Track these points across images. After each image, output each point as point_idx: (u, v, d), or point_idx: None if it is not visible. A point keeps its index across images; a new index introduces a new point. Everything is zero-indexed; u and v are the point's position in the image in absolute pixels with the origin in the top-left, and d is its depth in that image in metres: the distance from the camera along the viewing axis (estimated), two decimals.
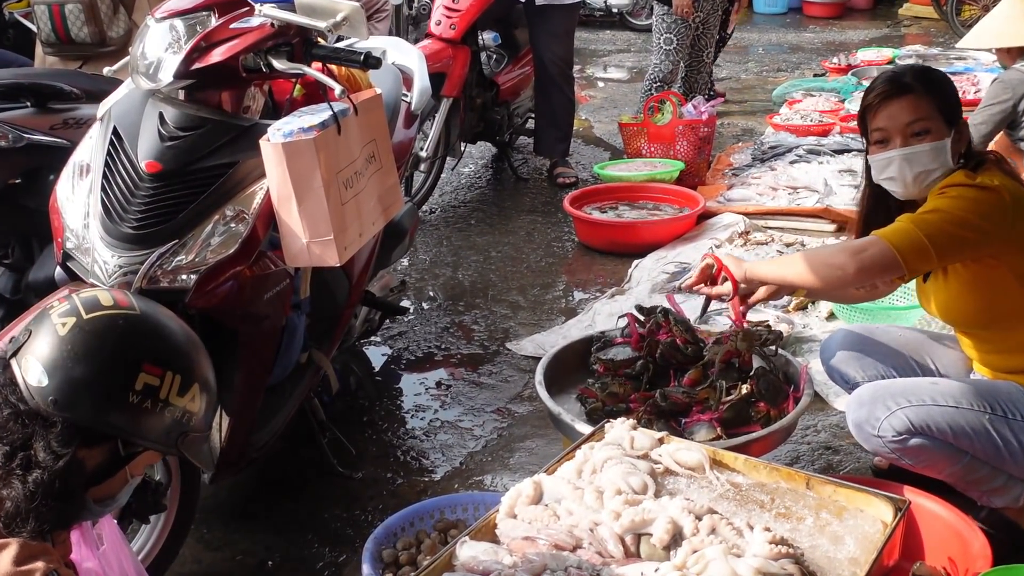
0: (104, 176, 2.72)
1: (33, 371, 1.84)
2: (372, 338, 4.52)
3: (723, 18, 7.77)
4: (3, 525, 1.79)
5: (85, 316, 1.88)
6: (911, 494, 2.71)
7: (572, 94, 6.86)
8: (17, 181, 3.84)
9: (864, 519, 2.45)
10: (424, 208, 6.25)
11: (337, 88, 2.73)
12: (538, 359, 3.74)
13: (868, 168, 2.95)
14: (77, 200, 2.76)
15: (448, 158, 6.45)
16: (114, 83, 3.17)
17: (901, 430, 2.72)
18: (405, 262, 5.45)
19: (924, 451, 2.75)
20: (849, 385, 3.19)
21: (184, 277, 2.66)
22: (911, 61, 9.74)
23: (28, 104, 3.74)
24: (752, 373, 3.27)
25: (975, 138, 5.26)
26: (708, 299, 3.11)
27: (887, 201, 2.94)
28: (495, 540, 2.40)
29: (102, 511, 2.00)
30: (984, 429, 2.72)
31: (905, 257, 2.66)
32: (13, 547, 1.75)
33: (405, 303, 4.76)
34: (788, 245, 5.33)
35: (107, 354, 1.87)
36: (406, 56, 4.31)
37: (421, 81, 4.19)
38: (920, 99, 2.81)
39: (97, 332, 1.88)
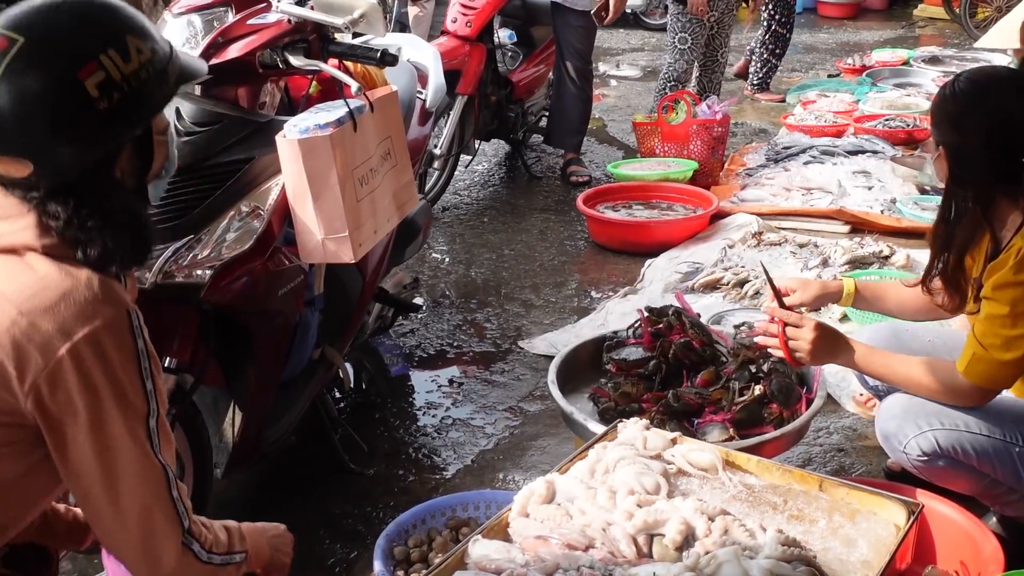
0: None
1: (13, 165, 1.75)
2: (385, 335, 4.52)
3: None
4: (95, 267, 1.78)
5: None
6: (924, 497, 2.71)
7: (589, 91, 6.85)
8: None
9: (877, 522, 2.45)
10: (437, 205, 6.25)
11: (354, 85, 2.74)
12: (550, 358, 3.74)
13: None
14: None
15: (462, 155, 6.46)
16: None
17: (928, 451, 2.71)
18: (418, 259, 5.45)
19: (947, 472, 2.75)
20: (869, 385, 3.18)
21: (199, 272, 2.67)
22: (926, 63, 9.75)
23: None
24: (765, 374, 3.26)
25: None
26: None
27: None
28: (507, 539, 2.40)
29: (166, 176, 1.99)
30: (1011, 460, 2.70)
31: (1002, 386, 2.69)
32: (95, 280, 1.76)
33: (418, 300, 4.76)
34: (801, 246, 5.32)
35: (42, 101, 1.72)
36: (421, 53, 4.32)
37: (436, 78, 4.20)
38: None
39: (14, 87, 1.71)
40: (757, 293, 4.86)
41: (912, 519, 2.42)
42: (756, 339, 3.01)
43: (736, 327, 3.46)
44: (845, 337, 2.84)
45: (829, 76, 9.86)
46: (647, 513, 2.33)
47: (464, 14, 6.19)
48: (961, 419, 2.71)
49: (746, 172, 6.73)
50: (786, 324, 2.83)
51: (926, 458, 2.73)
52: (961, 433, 2.70)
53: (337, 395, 4.04)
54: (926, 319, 3.17)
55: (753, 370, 3.31)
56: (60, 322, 1.70)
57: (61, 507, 2.22)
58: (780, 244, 5.39)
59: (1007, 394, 2.89)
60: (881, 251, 5.11)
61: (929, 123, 2.81)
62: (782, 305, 2.89)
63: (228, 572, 2.03)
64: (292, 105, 3.23)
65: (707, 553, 2.23)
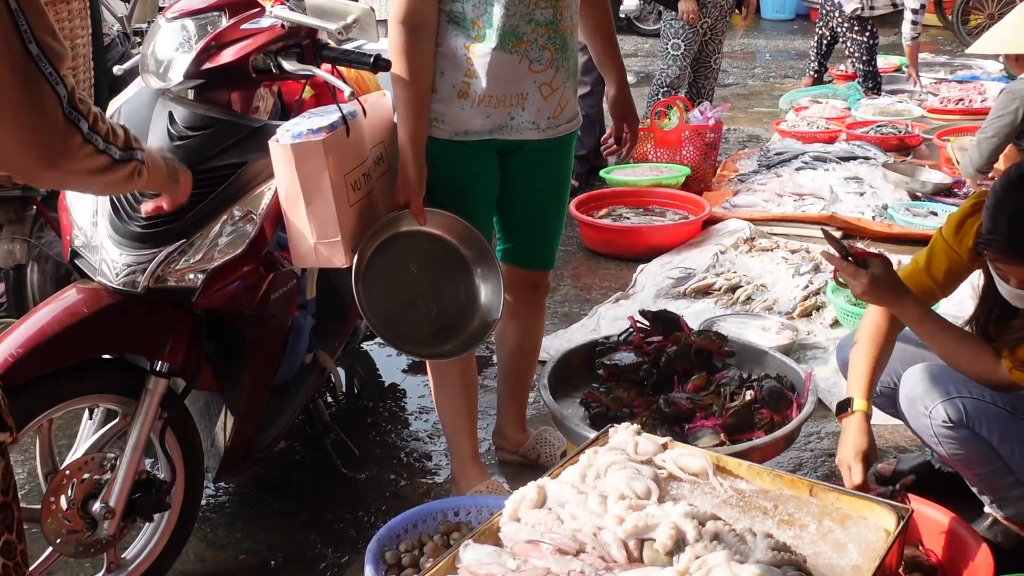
0: None
1: None
2: (377, 339, 4.52)
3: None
4: None
5: None
6: (914, 502, 2.71)
7: (591, 102, 6.76)
8: None
9: (867, 527, 2.45)
10: None
11: (346, 90, 2.74)
12: (541, 362, 3.74)
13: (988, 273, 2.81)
14: (86, 198, 2.77)
15: None
16: None
17: (954, 418, 2.73)
18: None
19: (966, 444, 2.76)
20: None
21: (191, 276, 2.67)
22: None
23: None
24: (756, 380, 3.27)
25: (986, 151, 5.25)
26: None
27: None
28: (498, 543, 2.40)
29: None
30: None
31: None
32: None
33: None
34: (793, 252, 5.34)
35: None
36: None
37: None
38: None
39: None
40: (749, 298, 4.88)
41: (902, 524, 2.42)
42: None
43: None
44: (902, 294, 2.81)
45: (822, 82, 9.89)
46: (638, 518, 2.33)
47: None
48: (988, 392, 2.75)
49: (738, 178, 6.76)
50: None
51: (951, 424, 2.75)
52: (988, 405, 2.73)
53: (329, 400, 4.05)
54: None
55: (745, 376, 3.32)
56: None
57: None
58: (772, 250, 5.41)
59: None
60: None
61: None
62: (845, 257, 2.82)
63: (127, 170, 1.87)
64: (285, 110, 3.23)
65: (697, 558, 2.23)
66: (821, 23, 9.14)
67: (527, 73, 2.95)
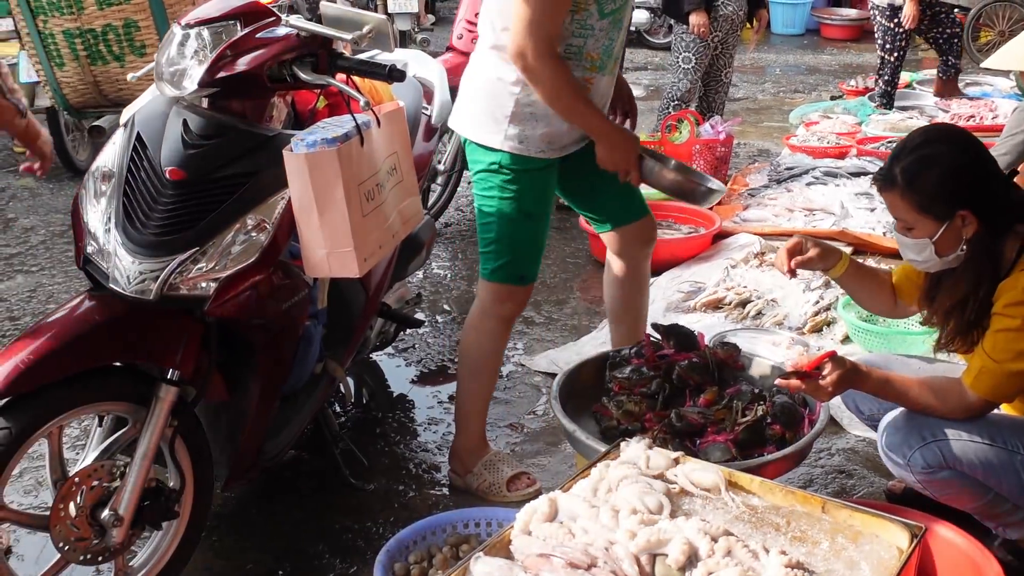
0: (127, 182, 2.72)
1: None
2: (386, 350, 4.52)
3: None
4: None
5: None
6: (926, 520, 2.70)
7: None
8: None
9: (880, 545, 2.44)
10: (440, 221, 6.25)
11: (361, 100, 2.74)
12: (551, 375, 3.73)
13: None
14: (99, 205, 2.77)
15: (465, 171, 6.45)
16: None
17: (933, 463, 2.73)
18: (420, 275, 5.46)
19: (951, 485, 2.76)
20: (864, 416, 3.18)
21: (204, 285, 2.66)
22: (927, 88, 9.74)
23: None
24: (768, 395, 3.26)
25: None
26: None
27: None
28: (510, 556, 2.39)
29: None
30: (1013, 470, 2.71)
31: (1005, 399, 2.79)
32: None
33: (420, 316, 4.76)
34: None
35: None
36: (427, 70, 4.33)
37: (442, 95, 4.20)
38: (900, 199, 2.71)
39: None
40: (759, 313, 4.87)
41: (915, 542, 2.41)
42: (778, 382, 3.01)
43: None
44: (859, 374, 2.84)
45: (832, 97, 9.89)
46: (650, 533, 2.32)
47: (470, 31, 6.19)
48: (964, 429, 2.74)
49: (749, 192, 6.75)
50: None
51: (931, 470, 2.75)
52: (965, 443, 2.73)
53: (338, 409, 4.04)
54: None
55: (756, 391, 3.31)
56: None
57: None
58: None
59: (997, 408, 2.93)
60: None
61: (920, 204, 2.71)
62: (800, 377, 2.89)
63: None
64: (299, 119, 3.23)
65: (710, 574, 2.22)
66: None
67: (611, 87, 3.36)
